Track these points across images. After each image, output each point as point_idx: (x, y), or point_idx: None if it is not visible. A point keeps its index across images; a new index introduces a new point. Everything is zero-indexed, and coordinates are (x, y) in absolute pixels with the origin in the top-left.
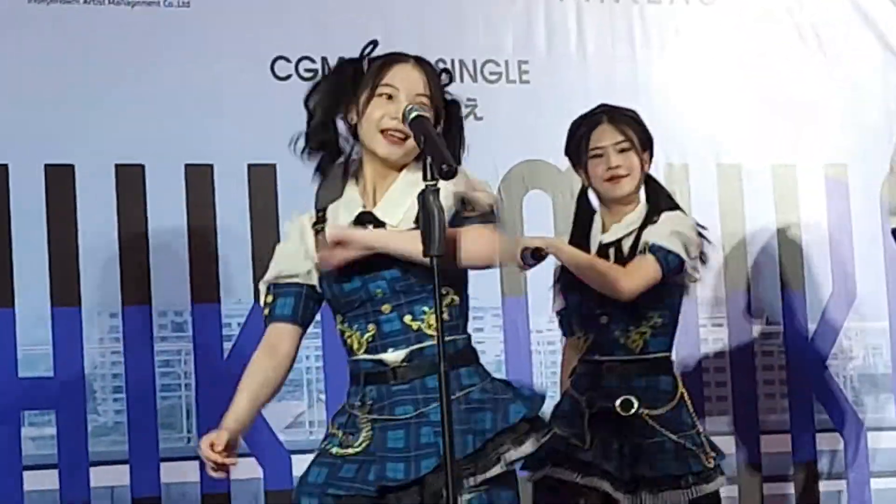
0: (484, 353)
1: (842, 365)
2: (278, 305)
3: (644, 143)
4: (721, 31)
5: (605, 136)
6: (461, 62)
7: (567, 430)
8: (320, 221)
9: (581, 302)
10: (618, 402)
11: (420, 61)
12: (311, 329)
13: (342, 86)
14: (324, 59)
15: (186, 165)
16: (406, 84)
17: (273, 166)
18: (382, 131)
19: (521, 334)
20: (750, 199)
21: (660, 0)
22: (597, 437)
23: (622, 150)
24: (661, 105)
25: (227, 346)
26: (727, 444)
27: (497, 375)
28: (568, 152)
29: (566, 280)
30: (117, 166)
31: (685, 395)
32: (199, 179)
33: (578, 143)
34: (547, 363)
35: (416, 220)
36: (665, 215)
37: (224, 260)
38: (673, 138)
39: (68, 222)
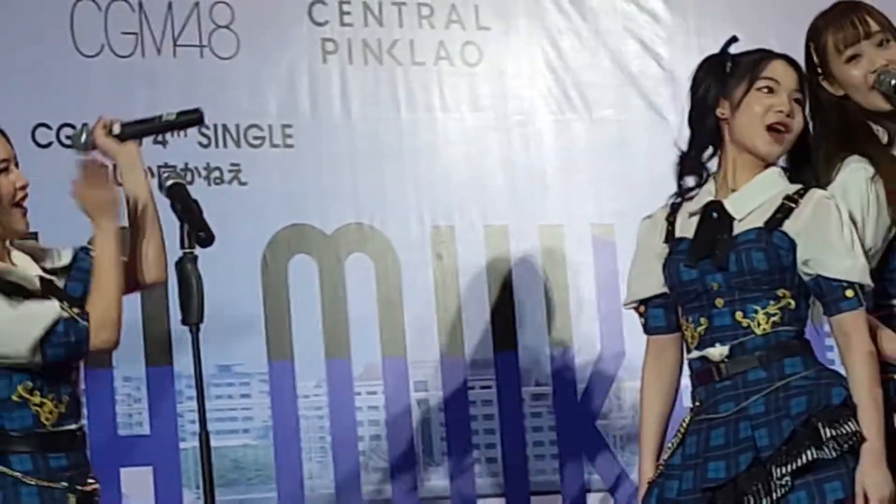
0: (252, 420)
1: (612, 424)
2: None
3: None
4: (486, 93)
5: None
6: (224, 126)
7: None
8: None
9: None
10: None
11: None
12: None
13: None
14: (85, 126)
15: None
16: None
17: (35, 234)
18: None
19: (287, 399)
20: (517, 261)
21: (424, 62)
22: None
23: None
24: (426, 167)
25: None
26: None
27: (265, 441)
28: None
29: None
30: None
31: None
32: None
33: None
34: (315, 428)
35: (767, 222)
36: None
37: None
38: (439, 200)
39: None
